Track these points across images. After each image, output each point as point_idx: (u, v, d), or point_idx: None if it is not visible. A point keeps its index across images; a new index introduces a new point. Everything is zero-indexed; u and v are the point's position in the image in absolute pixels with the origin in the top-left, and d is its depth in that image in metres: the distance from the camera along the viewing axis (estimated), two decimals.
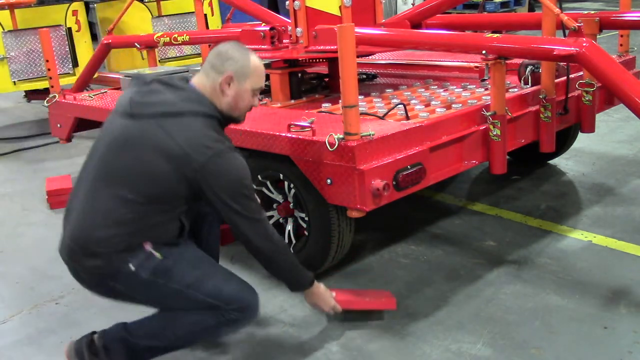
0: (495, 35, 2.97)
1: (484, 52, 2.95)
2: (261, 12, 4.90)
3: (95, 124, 4.64)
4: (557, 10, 2.94)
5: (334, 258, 3.09)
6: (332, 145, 2.66)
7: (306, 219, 3.04)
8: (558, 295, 2.91)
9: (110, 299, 2.45)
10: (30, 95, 7.41)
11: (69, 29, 6.77)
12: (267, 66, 3.83)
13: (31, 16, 6.57)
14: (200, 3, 5.50)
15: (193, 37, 4.76)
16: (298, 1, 3.69)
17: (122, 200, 2.27)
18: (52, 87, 4.65)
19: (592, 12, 3.79)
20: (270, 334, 2.75)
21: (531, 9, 12.18)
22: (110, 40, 4.96)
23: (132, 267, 2.28)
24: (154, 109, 2.31)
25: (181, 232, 2.44)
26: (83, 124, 4.62)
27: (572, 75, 3.54)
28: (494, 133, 3.12)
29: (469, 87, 3.86)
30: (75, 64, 6.83)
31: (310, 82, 4.17)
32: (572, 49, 2.70)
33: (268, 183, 3.20)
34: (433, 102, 3.45)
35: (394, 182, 2.71)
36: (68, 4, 6.78)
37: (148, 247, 2.32)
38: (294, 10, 3.74)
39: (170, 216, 2.36)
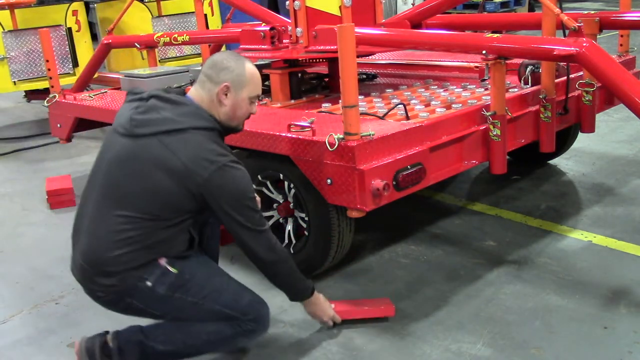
0: (495, 35, 2.97)
1: (484, 52, 2.95)
2: (261, 12, 4.89)
3: (95, 124, 4.65)
4: (557, 10, 2.94)
5: (334, 258, 3.09)
6: (332, 145, 2.66)
7: (306, 219, 3.04)
8: (558, 295, 2.91)
9: (127, 314, 2.48)
10: (30, 95, 7.41)
11: (69, 29, 6.77)
12: (267, 66, 3.84)
13: (31, 16, 6.57)
14: (200, 3, 5.49)
15: (193, 37, 4.76)
16: (298, 1, 3.69)
17: (130, 219, 2.30)
18: (52, 87, 4.65)
19: (592, 12, 3.79)
20: (270, 334, 2.74)
21: (531, 9, 12.18)
22: (110, 40, 4.96)
23: (149, 283, 2.33)
24: (155, 128, 2.32)
25: (191, 243, 2.48)
26: (83, 124, 4.62)
27: (572, 75, 3.54)
28: (494, 133, 3.12)
29: (469, 87, 3.86)
30: (75, 64, 6.83)
31: (310, 82, 4.17)
32: (572, 49, 2.70)
33: (268, 183, 3.20)
34: (433, 102, 3.45)
35: (394, 182, 2.71)
36: (68, 4, 6.78)
37: (163, 262, 2.36)
38: (294, 10, 3.74)
39: (179, 230, 2.38)
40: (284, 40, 3.87)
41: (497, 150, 3.16)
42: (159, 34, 4.85)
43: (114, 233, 2.30)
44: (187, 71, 4.59)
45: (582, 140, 4.70)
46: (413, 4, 9.91)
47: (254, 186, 2.99)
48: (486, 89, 3.69)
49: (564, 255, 3.29)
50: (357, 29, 2.69)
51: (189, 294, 2.38)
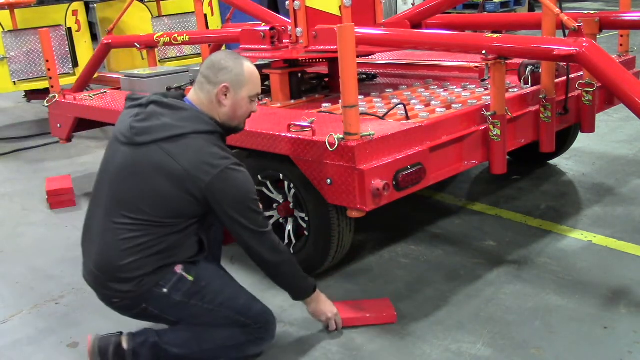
0: (495, 35, 2.97)
1: (484, 52, 2.95)
2: (261, 12, 4.90)
3: (95, 124, 4.66)
4: (557, 10, 2.94)
5: (334, 258, 3.08)
6: (332, 145, 2.66)
7: (306, 219, 3.04)
8: (558, 295, 2.91)
9: (140, 319, 2.52)
10: (30, 95, 7.41)
11: (69, 29, 6.77)
12: (267, 66, 3.84)
13: (31, 16, 6.57)
14: (200, 3, 5.49)
15: (193, 37, 4.76)
16: (298, 1, 3.69)
17: (137, 227, 2.32)
18: (52, 87, 4.65)
19: (592, 12, 3.79)
20: None
21: (531, 9, 12.18)
22: (110, 40, 4.96)
23: (165, 290, 2.37)
24: (155, 135, 2.33)
25: (201, 247, 2.51)
26: (83, 124, 4.62)
27: (572, 75, 3.54)
28: (494, 133, 3.12)
29: (469, 87, 3.86)
30: (75, 64, 6.83)
31: (310, 82, 4.17)
32: (572, 49, 2.70)
33: (268, 183, 3.20)
34: (433, 102, 3.45)
35: (394, 182, 2.71)
36: (68, 4, 6.78)
37: (179, 269, 2.40)
38: (294, 10, 3.74)
39: (187, 234, 2.41)
40: (284, 40, 3.87)
41: (497, 150, 3.16)
42: (159, 34, 4.85)
43: (123, 241, 2.32)
44: (187, 71, 4.59)
45: (582, 140, 4.70)
46: (413, 4, 9.92)
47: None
48: (486, 89, 3.69)
49: (564, 255, 3.29)
50: (357, 29, 2.69)
51: (204, 300, 2.42)
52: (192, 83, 4.35)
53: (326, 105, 3.55)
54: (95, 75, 5.46)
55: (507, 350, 2.53)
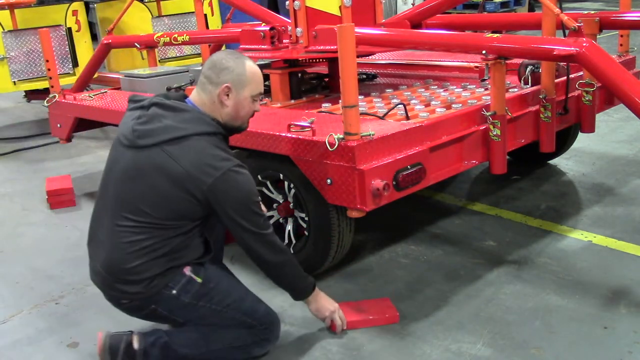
0: (495, 35, 2.97)
1: (484, 52, 2.95)
2: (261, 12, 4.90)
3: (95, 124, 4.66)
4: (557, 10, 2.94)
5: (334, 258, 3.08)
6: (332, 145, 2.66)
7: (306, 219, 3.04)
8: (558, 295, 2.91)
9: (149, 320, 2.54)
10: (30, 95, 7.41)
11: (69, 29, 6.77)
12: (267, 66, 3.84)
13: (31, 16, 6.57)
14: (200, 3, 5.49)
15: (193, 37, 4.76)
16: (298, 1, 3.69)
17: (142, 229, 2.33)
18: (52, 87, 4.65)
19: (592, 12, 3.79)
20: None
21: (531, 9, 12.18)
22: (110, 40, 4.96)
23: (174, 292, 2.39)
24: (157, 138, 2.34)
25: (207, 248, 2.52)
26: (83, 124, 4.62)
27: (572, 75, 3.54)
28: (494, 133, 3.12)
29: (469, 87, 3.86)
30: (75, 64, 6.83)
31: (310, 82, 4.17)
32: (572, 49, 2.70)
33: (268, 183, 3.20)
34: (433, 102, 3.45)
35: (394, 182, 2.71)
36: (68, 4, 6.78)
37: (187, 271, 2.41)
38: (294, 10, 3.74)
39: (191, 235, 2.42)
40: (284, 40, 3.87)
41: (497, 150, 3.16)
42: (159, 34, 4.84)
43: (128, 244, 2.33)
44: (187, 71, 4.60)
45: (582, 140, 4.70)
46: (413, 4, 9.92)
47: None
48: (486, 89, 3.69)
49: (564, 255, 3.29)
50: (357, 29, 2.69)
51: (212, 302, 2.43)
52: (192, 83, 4.36)
53: (326, 105, 3.55)
54: (95, 75, 5.45)
55: (507, 350, 2.53)
